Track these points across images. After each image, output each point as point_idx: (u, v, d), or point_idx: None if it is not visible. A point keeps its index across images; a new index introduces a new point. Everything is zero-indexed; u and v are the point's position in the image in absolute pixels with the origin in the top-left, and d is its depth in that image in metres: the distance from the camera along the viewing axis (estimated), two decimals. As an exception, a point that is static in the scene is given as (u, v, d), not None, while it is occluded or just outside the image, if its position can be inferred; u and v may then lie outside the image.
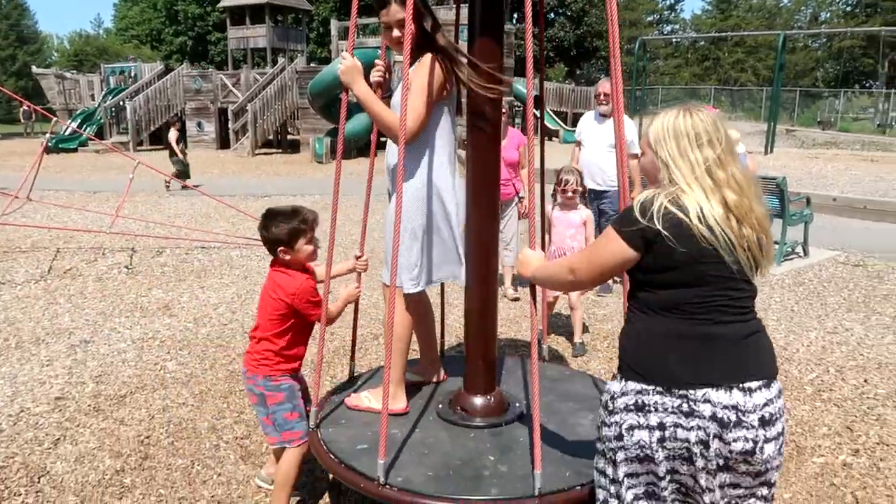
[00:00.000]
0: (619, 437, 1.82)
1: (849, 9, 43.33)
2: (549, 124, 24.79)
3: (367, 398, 2.86)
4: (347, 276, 2.99)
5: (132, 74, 25.24)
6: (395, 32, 2.57)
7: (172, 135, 12.91)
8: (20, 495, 2.85)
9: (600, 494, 1.96)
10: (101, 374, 4.11)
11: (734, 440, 1.70)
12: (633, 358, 1.82)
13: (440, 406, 2.84)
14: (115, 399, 3.77)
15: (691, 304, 1.74)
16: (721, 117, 1.81)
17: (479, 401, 2.75)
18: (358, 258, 2.89)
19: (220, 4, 27.76)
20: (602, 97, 5.59)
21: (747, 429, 1.70)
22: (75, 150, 20.88)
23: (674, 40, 46.10)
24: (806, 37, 42.64)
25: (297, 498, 2.83)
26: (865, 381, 4.03)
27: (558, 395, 2.97)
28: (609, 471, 1.90)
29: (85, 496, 2.85)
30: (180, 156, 12.78)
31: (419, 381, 3.09)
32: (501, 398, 2.82)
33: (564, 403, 2.89)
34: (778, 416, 1.75)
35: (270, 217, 2.56)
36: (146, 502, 2.81)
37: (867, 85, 40.44)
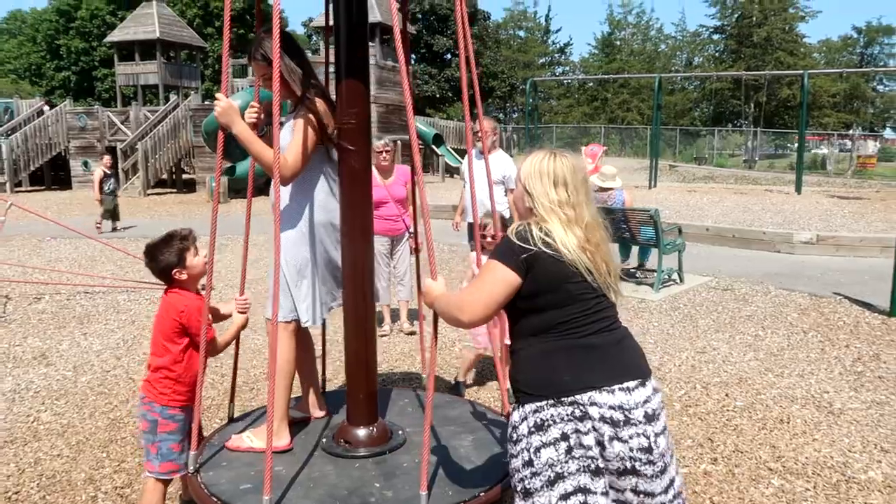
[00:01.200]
0: (529, 463, 1.88)
1: (717, 55, 47.28)
2: (450, 161, 25.33)
3: (248, 438, 2.85)
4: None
5: (6, 111, 23.80)
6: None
7: (97, 173, 11.99)
8: None
9: None
10: (-35, 431, 3.85)
11: (630, 437, 1.84)
12: (524, 382, 1.96)
13: (324, 440, 2.89)
14: (-19, 456, 3.54)
15: (566, 322, 1.93)
16: (580, 166, 2.02)
17: (362, 432, 2.82)
18: (241, 299, 2.91)
19: (107, 39, 26.78)
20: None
21: (636, 425, 1.85)
22: (-58, 191, 19.34)
23: (564, 81, 48.58)
24: (682, 79, 46.08)
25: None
26: (727, 395, 4.40)
27: (439, 420, 3.08)
28: None
29: (-58, 561, 2.67)
30: (98, 197, 11.85)
31: (303, 418, 3.12)
32: (384, 428, 2.90)
33: (445, 427, 3.02)
34: (660, 411, 1.93)
35: (153, 250, 2.65)
36: (13, 562, 2.67)
37: (738, 124, 44.08)
